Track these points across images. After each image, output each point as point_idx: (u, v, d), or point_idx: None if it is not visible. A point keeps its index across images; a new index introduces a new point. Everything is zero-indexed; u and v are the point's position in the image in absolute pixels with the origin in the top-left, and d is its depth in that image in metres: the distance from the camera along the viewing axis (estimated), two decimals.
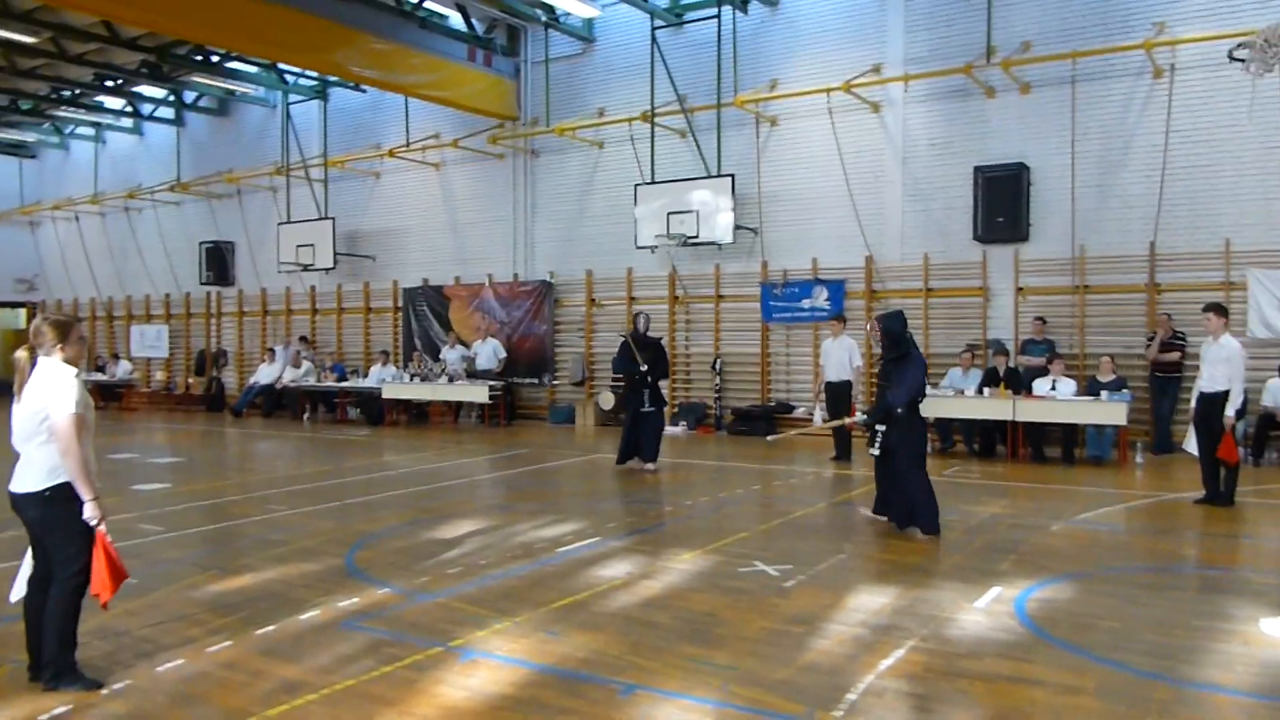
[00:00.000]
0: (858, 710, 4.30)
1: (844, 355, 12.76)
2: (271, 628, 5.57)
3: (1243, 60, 10.45)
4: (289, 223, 21.68)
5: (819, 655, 5.03)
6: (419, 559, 7.30)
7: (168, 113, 24.57)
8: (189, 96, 23.84)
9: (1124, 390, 12.32)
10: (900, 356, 8.08)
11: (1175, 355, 12.89)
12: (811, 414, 15.56)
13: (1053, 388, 12.58)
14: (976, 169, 14.41)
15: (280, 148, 22.13)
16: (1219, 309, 9.15)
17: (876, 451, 8.16)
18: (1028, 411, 12.36)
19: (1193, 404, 9.36)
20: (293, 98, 21.97)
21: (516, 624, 5.61)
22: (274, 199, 22.82)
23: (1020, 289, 14.44)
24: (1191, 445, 9.39)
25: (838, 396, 12.71)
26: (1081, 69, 13.92)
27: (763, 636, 5.34)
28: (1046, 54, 13.99)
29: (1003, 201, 14.23)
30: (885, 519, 8.34)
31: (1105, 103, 13.92)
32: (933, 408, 13.11)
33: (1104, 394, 12.14)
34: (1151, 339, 13.06)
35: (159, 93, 23.84)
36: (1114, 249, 13.83)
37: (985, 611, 5.77)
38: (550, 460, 13.34)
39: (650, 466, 11.76)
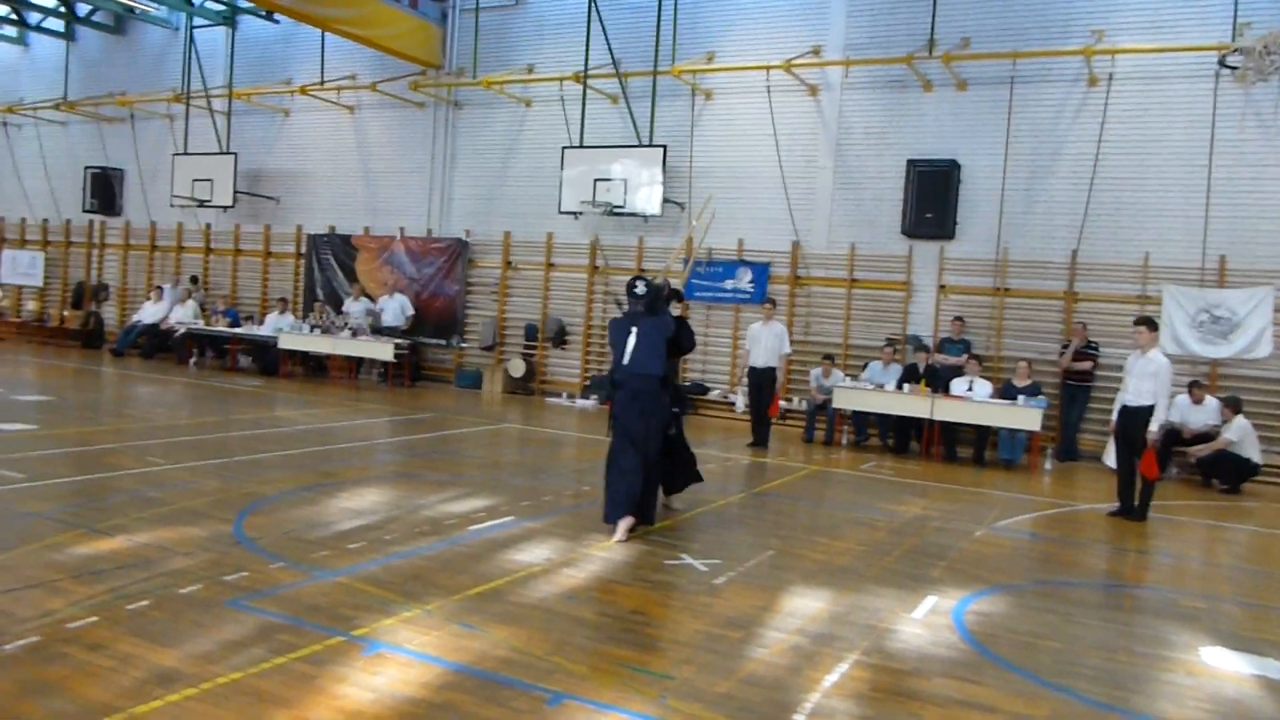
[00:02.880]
0: None
1: (774, 341, 12.47)
2: (145, 603, 4.92)
3: (1234, 67, 10.40)
4: (186, 154, 20.28)
5: (759, 666, 4.66)
6: (316, 529, 6.68)
7: (57, 24, 22.68)
8: (82, 9, 22.06)
9: (1039, 396, 12.37)
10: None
11: (1087, 364, 13.01)
12: (727, 398, 15.36)
13: (970, 389, 12.56)
14: (910, 162, 14.26)
15: (181, 74, 20.61)
16: (1150, 323, 9.13)
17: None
18: (945, 411, 12.30)
19: (1114, 416, 9.34)
20: (197, 21, 20.47)
21: (427, 612, 5.09)
22: (170, 128, 21.32)
23: (943, 286, 14.39)
24: (1110, 458, 9.38)
25: (763, 383, 12.43)
26: (1019, 70, 13.87)
27: (698, 641, 4.94)
28: (986, 51, 13.90)
29: (932, 197, 14.13)
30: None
31: (1040, 106, 13.91)
32: (852, 400, 13.02)
33: (1020, 398, 12.15)
34: (1066, 347, 13.16)
35: (49, 2, 21.99)
36: (1036, 254, 13.87)
37: (924, 624, 5.50)
38: (457, 427, 12.72)
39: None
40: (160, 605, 4.90)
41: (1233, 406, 11.50)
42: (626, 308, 7.50)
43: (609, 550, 6.64)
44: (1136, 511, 9.08)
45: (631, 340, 7.23)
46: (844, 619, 5.48)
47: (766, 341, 12.48)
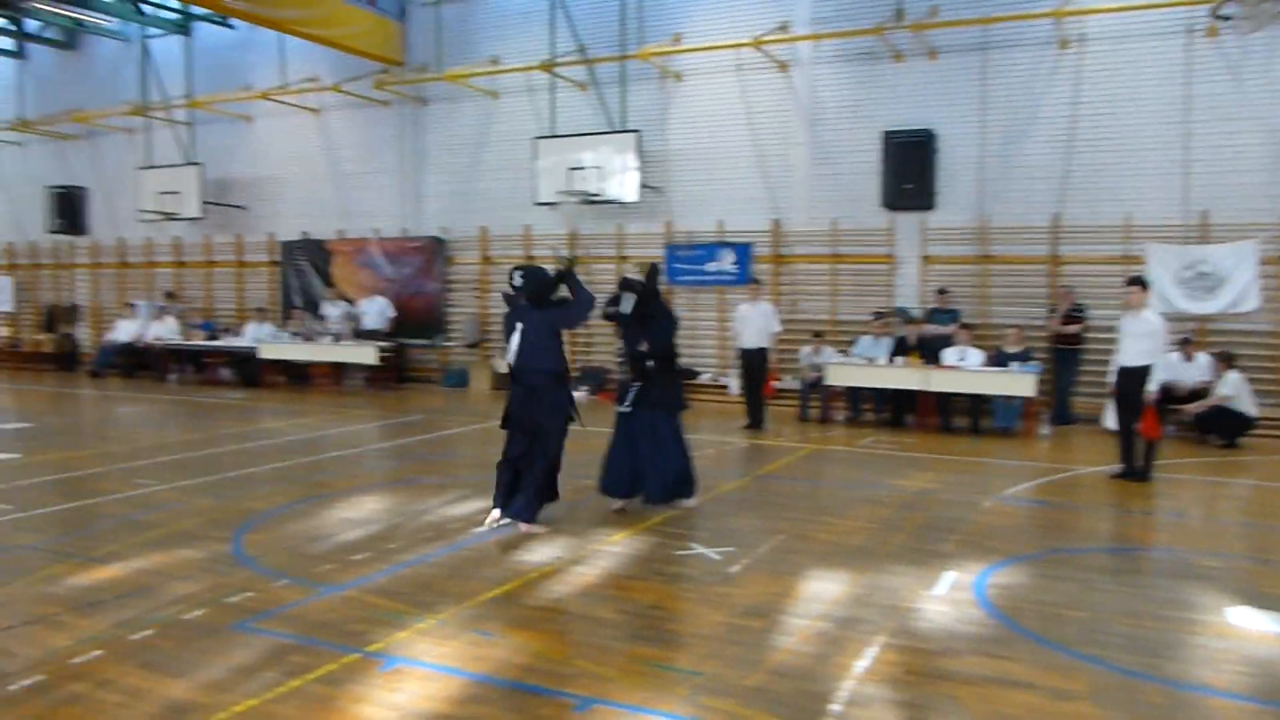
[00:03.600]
0: None
1: (762, 321, 12.37)
2: (149, 632, 4.76)
3: (1229, 17, 10.27)
4: (150, 168, 19.90)
5: (787, 655, 4.56)
6: (317, 543, 6.52)
7: (7, 43, 22.14)
8: (30, 26, 21.55)
9: (1032, 361, 12.33)
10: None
11: (1076, 327, 12.98)
12: (718, 381, 15.26)
13: (962, 358, 12.50)
14: (885, 134, 14.16)
15: (138, 86, 20.21)
16: (1141, 283, 9.08)
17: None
18: (939, 381, 12.25)
19: (1111, 378, 9.29)
20: (151, 31, 20.05)
21: (441, 622, 4.95)
22: (131, 141, 20.89)
23: (926, 257, 14.32)
24: (1110, 420, 9.33)
25: (754, 363, 12.33)
26: (990, 36, 13.77)
27: (720, 633, 4.83)
28: (955, 19, 13.78)
29: (910, 168, 14.02)
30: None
31: (1013, 71, 13.83)
32: (845, 376, 12.95)
33: (1013, 365, 12.12)
34: (1052, 311, 13.12)
35: None
36: (1018, 219, 13.81)
37: (947, 600, 5.42)
38: (447, 428, 12.54)
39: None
40: (165, 634, 4.74)
41: (1225, 361, 11.49)
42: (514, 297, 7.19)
43: (618, 544, 6.52)
44: (1139, 472, 9.05)
45: (515, 336, 6.97)
46: (865, 600, 5.38)
47: (755, 322, 12.37)
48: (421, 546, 6.44)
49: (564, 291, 7.28)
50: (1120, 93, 13.21)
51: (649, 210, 16.03)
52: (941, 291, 13.72)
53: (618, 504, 7.51)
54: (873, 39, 14.23)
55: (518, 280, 7.03)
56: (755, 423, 12.27)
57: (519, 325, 6.98)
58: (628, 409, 7.53)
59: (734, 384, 12.77)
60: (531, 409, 6.91)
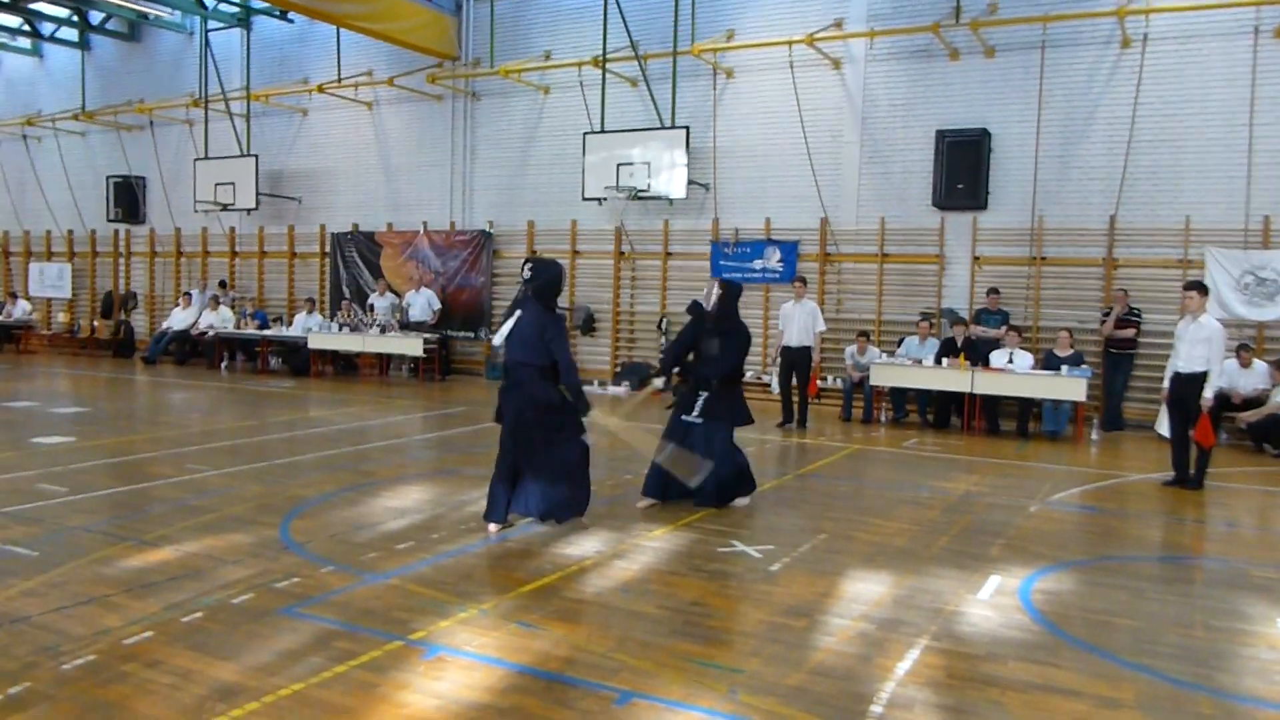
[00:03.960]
0: None
1: (807, 319, 12.30)
2: (199, 615, 4.85)
3: None
4: (207, 159, 20.27)
5: (828, 655, 4.53)
6: (363, 531, 6.61)
7: (70, 34, 22.71)
8: (95, 17, 22.03)
9: (1083, 365, 12.12)
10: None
11: (1130, 332, 12.74)
12: (761, 379, 15.21)
13: (1010, 360, 12.32)
14: (939, 133, 13.98)
15: (198, 78, 20.58)
16: (1201, 287, 8.88)
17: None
18: (986, 384, 12.08)
19: (1166, 384, 9.10)
20: (212, 24, 20.42)
21: (483, 612, 4.99)
22: (190, 133, 21.31)
23: (977, 258, 14.13)
24: (1163, 426, 9.14)
25: (798, 362, 12.27)
26: (1050, 34, 13.54)
27: (762, 632, 4.81)
28: (1014, 16, 13.57)
29: (963, 168, 13.85)
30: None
31: (1072, 70, 13.59)
32: (889, 376, 12.84)
33: (1063, 369, 11.91)
34: (1107, 314, 12.89)
35: (61, 11, 21.98)
36: (1073, 221, 13.58)
37: (991, 605, 5.35)
38: (490, 420, 12.58)
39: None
40: (215, 617, 4.82)
41: None
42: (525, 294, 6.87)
43: (659, 540, 6.52)
44: (1193, 480, 8.86)
45: (509, 324, 6.77)
46: (908, 602, 5.33)
47: (800, 320, 12.31)
48: (464, 537, 6.49)
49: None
50: (1183, 93, 12.92)
51: (696, 207, 16.00)
52: (992, 292, 13.53)
53: (646, 503, 7.50)
54: (928, 36, 14.07)
55: (527, 272, 6.81)
56: (798, 420, 12.21)
57: (517, 314, 6.76)
58: (696, 419, 7.51)
59: (774, 382, 12.71)
60: (512, 400, 6.70)
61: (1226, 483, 9.40)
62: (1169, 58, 12.95)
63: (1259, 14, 12.36)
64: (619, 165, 15.69)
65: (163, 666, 4.19)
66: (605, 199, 16.09)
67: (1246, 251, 12.44)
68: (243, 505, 7.25)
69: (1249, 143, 12.48)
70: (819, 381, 13.44)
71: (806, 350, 12.29)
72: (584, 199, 16.29)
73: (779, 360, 12.65)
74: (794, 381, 12.46)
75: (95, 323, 22.56)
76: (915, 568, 6.03)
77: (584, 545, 6.36)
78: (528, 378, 6.64)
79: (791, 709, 3.92)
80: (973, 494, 8.48)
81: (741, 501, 7.65)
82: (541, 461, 6.65)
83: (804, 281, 13.06)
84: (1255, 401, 11.48)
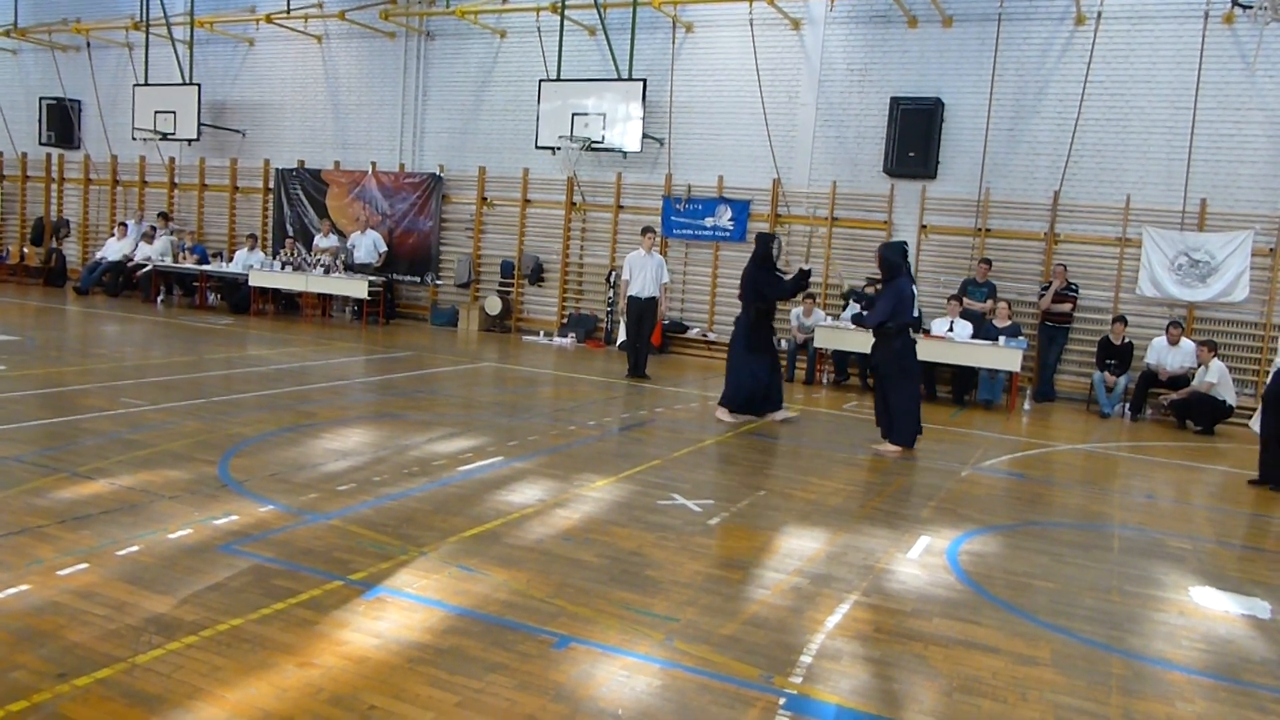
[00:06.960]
0: (815, 675, 3.93)
1: (656, 270, 12.59)
2: (135, 548, 4.81)
3: (1249, 5, 10.12)
4: (146, 85, 19.61)
5: (762, 608, 4.65)
6: (303, 471, 6.58)
7: None
8: None
9: (1020, 337, 12.41)
10: (888, 280, 8.97)
11: (1067, 306, 13.05)
12: (705, 336, 15.32)
13: (950, 329, 12.56)
14: (893, 100, 14.07)
15: (139, 0, 19.85)
16: None
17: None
18: (926, 351, 12.25)
19: (1270, 381, 8.45)
20: None
21: (424, 555, 5.02)
22: (130, 57, 20.57)
23: (924, 226, 14.33)
24: (1256, 424, 8.77)
25: (645, 312, 12.54)
26: (1006, 7, 13.66)
27: (698, 583, 4.92)
28: None
29: (916, 136, 13.97)
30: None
31: (1026, 45, 13.74)
32: (832, 340, 13.01)
33: (1000, 339, 12.19)
34: (1046, 288, 13.17)
35: None
36: (1018, 195, 13.81)
37: (920, 564, 5.53)
38: (435, 365, 12.57)
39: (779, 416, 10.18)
40: (151, 551, 4.79)
41: (1210, 349, 11.59)
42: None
43: (600, 490, 6.60)
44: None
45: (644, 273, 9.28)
46: (840, 559, 5.49)
47: (651, 270, 12.44)
48: (406, 481, 6.50)
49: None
50: (1131, 74, 13.15)
51: (650, 161, 15.94)
52: (983, 263, 13.47)
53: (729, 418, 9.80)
54: (888, 1, 14.09)
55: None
56: (637, 370, 12.42)
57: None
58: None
59: (621, 331, 13.01)
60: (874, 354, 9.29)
61: (1149, 456, 9.75)
62: (1120, 37, 13.15)
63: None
64: (574, 115, 15.55)
65: (98, 598, 4.16)
66: (559, 149, 15.95)
67: (1182, 233, 12.79)
68: (180, 441, 7.17)
69: (1191, 126, 12.77)
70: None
71: (654, 301, 12.45)
72: (537, 147, 16.13)
73: (627, 311, 12.73)
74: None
75: (25, 249, 21.84)
76: (849, 526, 6.20)
77: (526, 493, 6.41)
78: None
79: (724, 657, 4.04)
80: (908, 457, 8.69)
81: (776, 415, 10.03)
82: None
83: (654, 232, 12.94)
84: (1181, 379, 11.87)
